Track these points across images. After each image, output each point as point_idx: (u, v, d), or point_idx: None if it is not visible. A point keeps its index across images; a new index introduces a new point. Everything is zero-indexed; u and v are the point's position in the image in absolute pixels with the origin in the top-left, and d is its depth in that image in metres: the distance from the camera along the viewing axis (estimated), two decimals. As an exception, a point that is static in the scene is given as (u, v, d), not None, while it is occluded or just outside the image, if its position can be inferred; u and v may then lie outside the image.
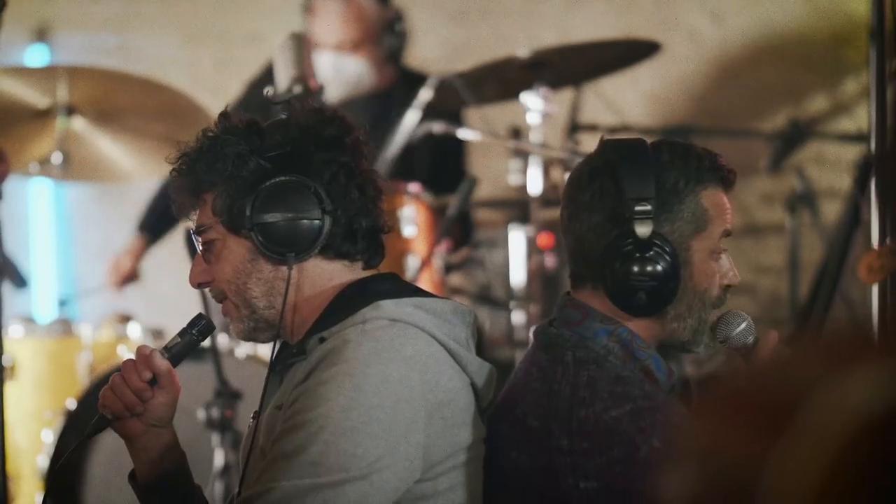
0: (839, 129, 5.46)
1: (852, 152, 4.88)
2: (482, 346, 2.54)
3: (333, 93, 4.41)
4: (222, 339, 3.91)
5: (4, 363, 3.13)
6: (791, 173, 5.24)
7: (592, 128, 4.99)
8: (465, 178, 4.72)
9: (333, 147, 2.23)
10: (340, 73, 4.62)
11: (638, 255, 2.21)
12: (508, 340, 4.48)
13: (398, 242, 4.01)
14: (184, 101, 3.99)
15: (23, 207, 5.78)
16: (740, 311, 2.30)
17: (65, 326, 4.31)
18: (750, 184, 5.50)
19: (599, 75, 4.71)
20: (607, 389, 2.20)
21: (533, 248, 4.33)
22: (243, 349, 3.98)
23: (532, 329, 3.09)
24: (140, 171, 4.22)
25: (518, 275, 4.35)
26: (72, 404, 4.02)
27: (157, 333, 4.29)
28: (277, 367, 2.26)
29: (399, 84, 4.80)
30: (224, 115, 2.28)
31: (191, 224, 2.29)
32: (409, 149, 4.37)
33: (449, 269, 4.38)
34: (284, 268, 2.22)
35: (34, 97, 3.94)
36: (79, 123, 3.99)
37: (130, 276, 4.82)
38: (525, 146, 4.28)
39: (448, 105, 4.47)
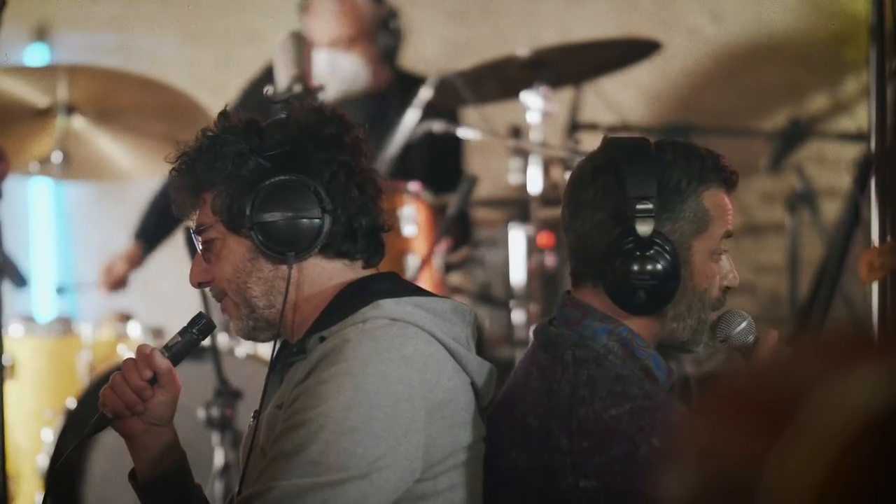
0: (839, 128, 5.46)
1: (852, 151, 4.88)
2: (482, 345, 2.54)
3: (329, 90, 4.41)
4: (222, 339, 3.92)
5: (4, 362, 3.13)
6: (791, 172, 5.24)
7: (592, 127, 4.99)
8: (464, 176, 4.72)
9: (333, 146, 2.23)
10: (335, 70, 4.62)
11: (638, 253, 2.21)
12: (508, 339, 4.48)
13: (398, 241, 4.01)
14: (184, 101, 3.99)
15: (23, 206, 5.78)
16: (740, 310, 2.30)
17: (65, 325, 4.31)
18: (750, 183, 5.50)
19: (599, 74, 4.71)
20: (607, 388, 2.20)
21: (533, 248, 4.33)
22: (243, 348, 3.98)
23: (532, 328, 3.09)
24: (140, 171, 4.22)
25: (518, 274, 4.35)
26: (72, 403, 4.02)
27: (157, 332, 4.29)
28: (278, 366, 2.26)
29: (395, 85, 4.80)
30: (223, 115, 2.28)
31: (191, 223, 2.29)
32: (408, 148, 4.37)
33: (449, 268, 4.38)
34: (284, 267, 2.22)
35: (34, 96, 3.94)
36: (79, 123, 3.99)
37: (121, 282, 4.82)
38: (525, 145, 4.27)
39: (447, 104, 4.47)
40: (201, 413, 3.42)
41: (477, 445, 2.20)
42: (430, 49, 5.71)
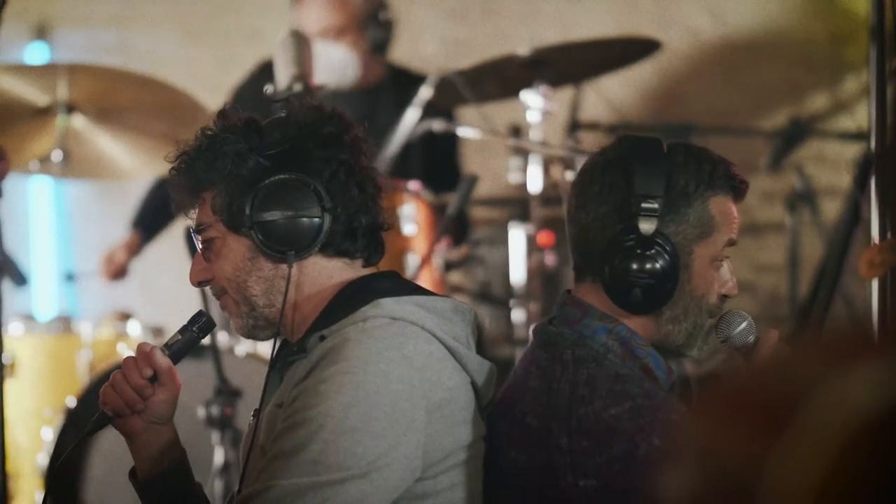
0: (839, 127, 5.46)
1: (852, 150, 4.88)
2: (482, 344, 2.54)
3: (317, 81, 4.40)
4: (222, 337, 3.91)
5: (4, 361, 3.13)
6: (791, 171, 5.24)
7: (593, 126, 4.99)
8: (461, 175, 4.72)
9: (333, 145, 2.23)
10: (324, 60, 4.61)
11: (639, 251, 2.22)
12: (508, 338, 4.48)
13: (398, 240, 4.01)
14: (184, 99, 3.98)
15: (23, 205, 5.78)
16: (740, 310, 2.30)
17: (65, 324, 4.31)
18: (750, 182, 5.49)
19: (600, 73, 4.71)
20: (606, 388, 2.20)
21: (533, 247, 4.33)
22: (243, 347, 3.98)
23: (532, 327, 3.09)
24: (140, 169, 4.22)
25: (518, 273, 4.35)
26: (72, 402, 4.02)
27: (157, 331, 4.29)
28: (278, 364, 2.26)
29: (387, 81, 4.80)
30: (223, 114, 2.28)
31: (190, 222, 2.29)
32: (404, 146, 4.37)
33: (449, 267, 4.38)
34: (284, 266, 2.22)
35: (34, 95, 3.94)
36: (79, 121, 3.99)
37: (122, 271, 4.82)
38: (525, 144, 4.27)
39: (447, 103, 4.47)
40: (201, 412, 3.42)
41: (477, 444, 2.20)
42: (430, 48, 5.71)
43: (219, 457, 3.41)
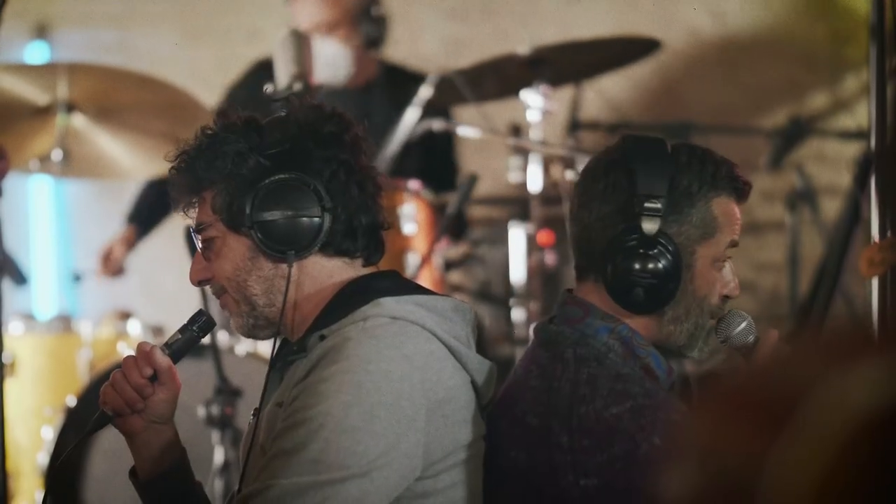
0: (839, 126, 5.46)
1: (852, 149, 4.89)
2: (482, 343, 2.54)
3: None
4: (222, 337, 3.91)
5: (4, 360, 3.13)
6: (791, 170, 5.24)
7: (592, 125, 4.99)
8: (458, 173, 4.72)
9: (333, 144, 2.23)
10: (317, 55, 4.60)
11: (641, 251, 2.22)
12: (508, 338, 4.48)
13: (398, 240, 4.01)
14: (184, 99, 3.98)
15: (23, 204, 5.78)
16: (740, 310, 2.30)
17: (65, 323, 4.32)
18: (751, 182, 5.49)
19: (599, 72, 4.71)
20: (608, 387, 2.20)
21: (533, 246, 4.33)
22: (243, 346, 3.98)
23: (532, 326, 3.09)
24: (140, 169, 4.22)
25: (518, 272, 4.35)
26: (72, 401, 4.02)
27: (157, 330, 4.29)
28: (278, 364, 2.26)
29: (382, 79, 4.80)
30: (222, 113, 2.27)
31: (190, 221, 2.29)
32: (403, 146, 4.37)
33: (449, 266, 4.38)
34: (284, 265, 2.22)
35: (34, 94, 3.94)
36: (79, 120, 3.99)
37: (119, 268, 4.82)
38: (525, 143, 4.27)
39: (443, 102, 4.47)
40: (201, 411, 3.42)
41: (477, 444, 2.20)
42: (430, 47, 5.71)
43: (219, 456, 3.41)
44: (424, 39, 5.71)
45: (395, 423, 2.07)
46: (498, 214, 4.91)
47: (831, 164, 5.51)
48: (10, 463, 3.65)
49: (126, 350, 4.05)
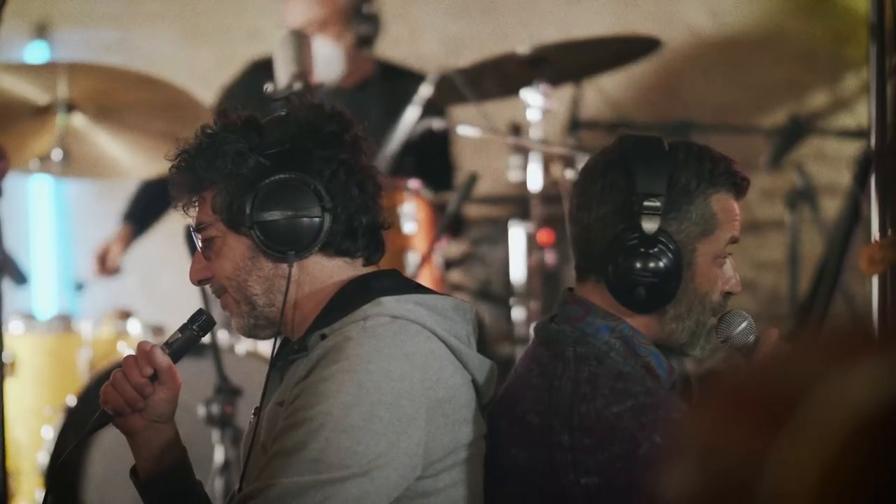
0: (839, 125, 5.46)
1: (852, 148, 4.88)
2: (483, 342, 2.54)
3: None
4: (222, 336, 3.91)
5: (4, 359, 3.13)
6: (791, 169, 5.24)
7: (592, 124, 4.99)
8: (453, 172, 4.72)
9: (333, 144, 2.23)
10: None
11: (642, 250, 2.22)
12: (508, 337, 4.48)
13: (398, 239, 4.01)
14: (184, 98, 3.98)
15: (23, 204, 5.78)
16: (741, 309, 2.30)
17: (65, 323, 4.31)
18: (750, 179, 5.49)
19: (600, 71, 4.71)
20: (608, 386, 2.20)
21: (533, 245, 4.33)
22: (243, 346, 3.98)
23: (532, 325, 3.09)
24: (140, 168, 4.22)
25: (518, 271, 4.35)
26: (72, 401, 4.02)
27: (157, 330, 4.29)
28: (278, 363, 2.26)
29: (376, 77, 4.79)
30: (222, 112, 2.27)
31: (190, 221, 2.29)
32: (400, 145, 4.37)
33: (449, 265, 4.39)
34: (285, 265, 2.22)
35: (34, 94, 3.94)
36: (79, 120, 3.99)
37: (116, 267, 4.81)
38: (525, 142, 4.27)
39: (441, 101, 4.46)
40: (201, 410, 3.42)
41: (478, 443, 2.20)
42: (430, 46, 5.71)
43: (219, 455, 3.41)
44: (424, 39, 5.71)
45: (396, 423, 2.07)
46: (498, 213, 4.91)
47: (831, 162, 5.51)
48: (11, 462, 3.65)
49: (126, 349, 4.05)
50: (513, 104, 4.38)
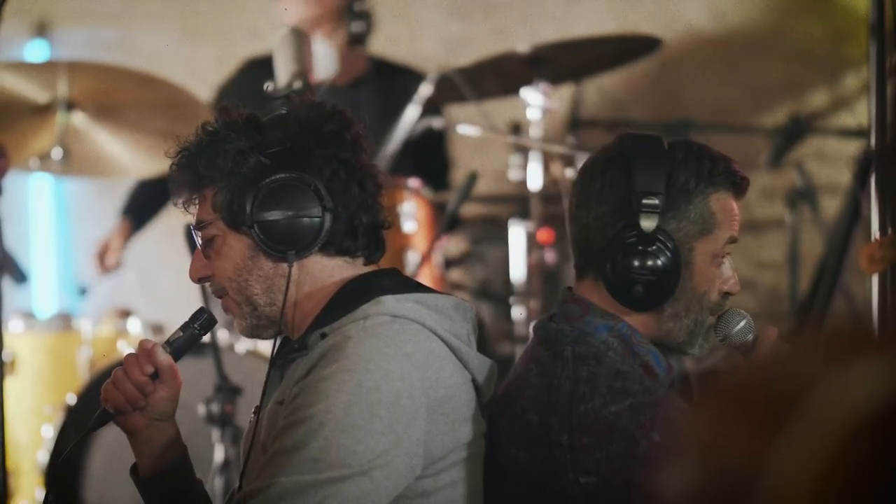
0: (839, 124, 5.46)
1: (852, 148, 4.88)
2: (483, 341, 2.54)
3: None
4: (223, 335, 3.91)
5: (4, 358, 3.13)
6: (791, 169, 5.24)
7: (592, 123, 4.99)
8: (449, 170, 4.71)
9: (334, 143, 2.23)
10: None
11: (640, 248, 2.22)
12: (508, 336, 4.48)
13: (398, 238, 4.01)
14: (183, 97, 3.99)
15: (23, 203, 5.78)
16: (739, 308, 2.30)
17: (65, 321, 4.31)
18: (750, 179, 5.49)
19: (599, 70, 4.70)
20: (607, 385, 2.20)
21: (533, 244, 4.33)
22: (243, 344, 3.98)
23: (532, 324, 3.09)
24: (140, 167, 4.22)
25: (518, 270, 4.35)
26: (72, 399, 4.02)
27: (157, 328, 4.29)
28: (278, 362, 2.26)
29: (370, 75, 4.79)
30: (223, 110, 2.27)
31: (191, 218, 2.29)
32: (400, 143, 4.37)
33: (449, 264, 4.38)
34: (285, 265, 2.22)
35: (34, 92, 3.94)
36: (79, 119, 3.99)
37: (116, 262, 4.81)
38: (525, 141, 4.27)
39: (439, 100, 4.46)
40: (201, 409, 3.42)
41: (477, 442, 2.20)
42: (430, 45, 5.71)
43: (219, 454, 3.41)
44: (424, 38, 5.71)
45: (396, 422, 2.07)
46: (498, 212, 4.90)
47: (831, 162, 5.51)
48: (10, 461, 3.65)
49: (126, 348, 4.05)
50: (513, 103, 4.38)
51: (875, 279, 2.81)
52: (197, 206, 2.27)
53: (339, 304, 2.20)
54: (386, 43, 5.09)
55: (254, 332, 2.26)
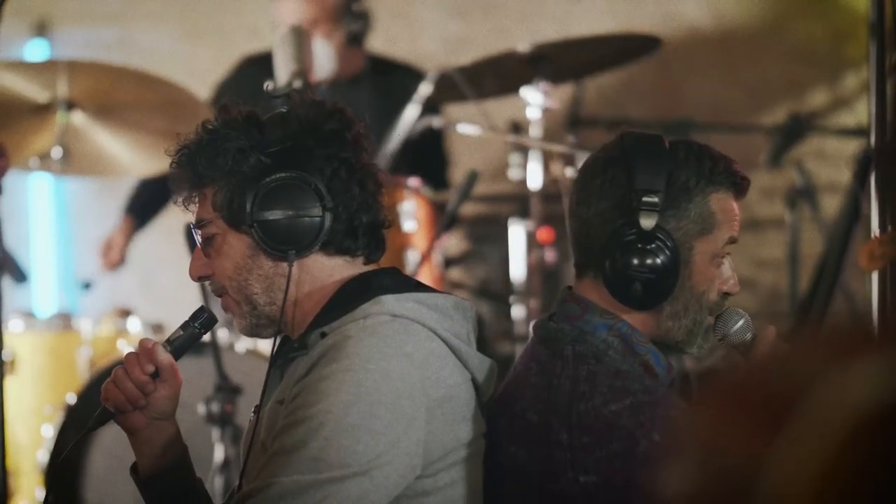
0: (839, 123, 5.46)
1: (852, 147, 4.88)
2: (483, 341, 2.54)
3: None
4: (222, 334, 3.91)
5: (4, 358, 3.13)
6: (791, 168, 5.24)
7: (593, 122, 4.99)
8: (447, 169, 4.71)
9: (334, 142, 2.23)
10: None
11: (639, 245, 2.22)
12: (508, 335, 4.48)
13: (398, 237, 4.01)
14: (183, 96, 3.98)
15: (23, 202, 5.78)
16: (738, 307, 2.30)
17: (65, 321, 4.31)
18: (750, 179, 5.48)
19: (599, 70, 4.70)
20: (607, 384, 2.20)
21: (533, 243, 4.33)
22: (243, 344, 3.98)
23: (532, 323, 3.09)
24: (140, 166, 4.22)
25: (518, 269, 4.35)
26: (72, 399, 4.02)
27: (157, 328, 4.29)
28: (278, 361, 2.26)
29: (367, 73, 4.79)
30: (223, 108, 2.27)
31: (191, 217, 2.29)
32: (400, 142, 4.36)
33: (449, 263, 4.38)
34: (285, 264, 2.22)
35: (34, 92, 3.94)
36: (79, 118, 3.98)
37: (121, 259, 4.82)
38: (525, 141, 4.27)
39: (438, 99, 4.46)
40: (201, 408, 3.42)
41: (477, 441, 2.20)
42: (430, 45, 5.71)
43: (219, 453, 3.41)
44: (425, 37, 5.71)
45: (395, 422, 2.07)
46: (498, 211, 4.90)
47: (831, 161, 5.51)
48: (10, 461, 3.65)
49: (126, 347, 4.05)
50: (513, 102, 4.38)
51: (875, 278, 2.81)
52: (197, 205, 2.26)
53: (339, 303, 2.20)
54: (386, 42, 5.09)
55: (253, 331, 2.26)
